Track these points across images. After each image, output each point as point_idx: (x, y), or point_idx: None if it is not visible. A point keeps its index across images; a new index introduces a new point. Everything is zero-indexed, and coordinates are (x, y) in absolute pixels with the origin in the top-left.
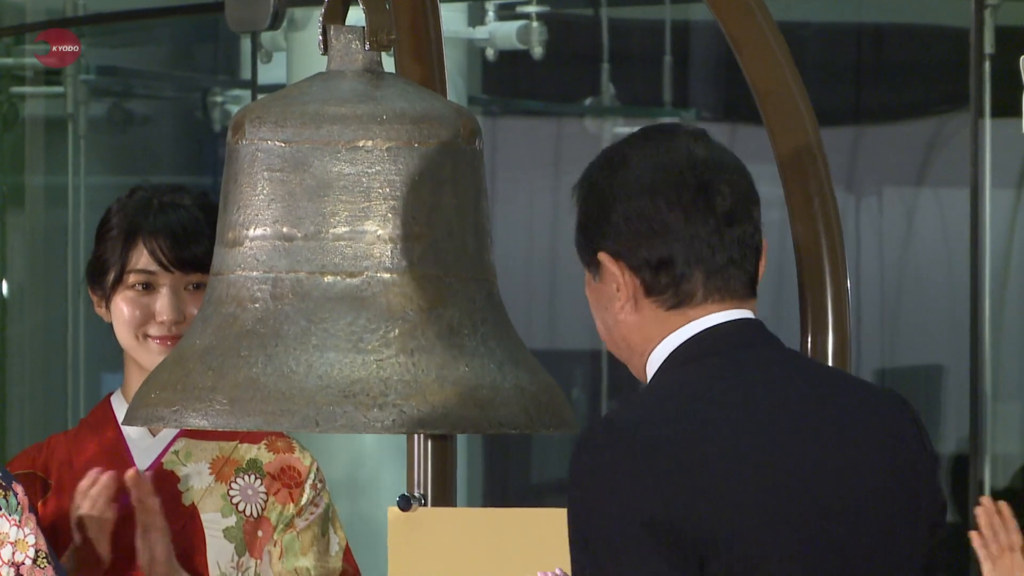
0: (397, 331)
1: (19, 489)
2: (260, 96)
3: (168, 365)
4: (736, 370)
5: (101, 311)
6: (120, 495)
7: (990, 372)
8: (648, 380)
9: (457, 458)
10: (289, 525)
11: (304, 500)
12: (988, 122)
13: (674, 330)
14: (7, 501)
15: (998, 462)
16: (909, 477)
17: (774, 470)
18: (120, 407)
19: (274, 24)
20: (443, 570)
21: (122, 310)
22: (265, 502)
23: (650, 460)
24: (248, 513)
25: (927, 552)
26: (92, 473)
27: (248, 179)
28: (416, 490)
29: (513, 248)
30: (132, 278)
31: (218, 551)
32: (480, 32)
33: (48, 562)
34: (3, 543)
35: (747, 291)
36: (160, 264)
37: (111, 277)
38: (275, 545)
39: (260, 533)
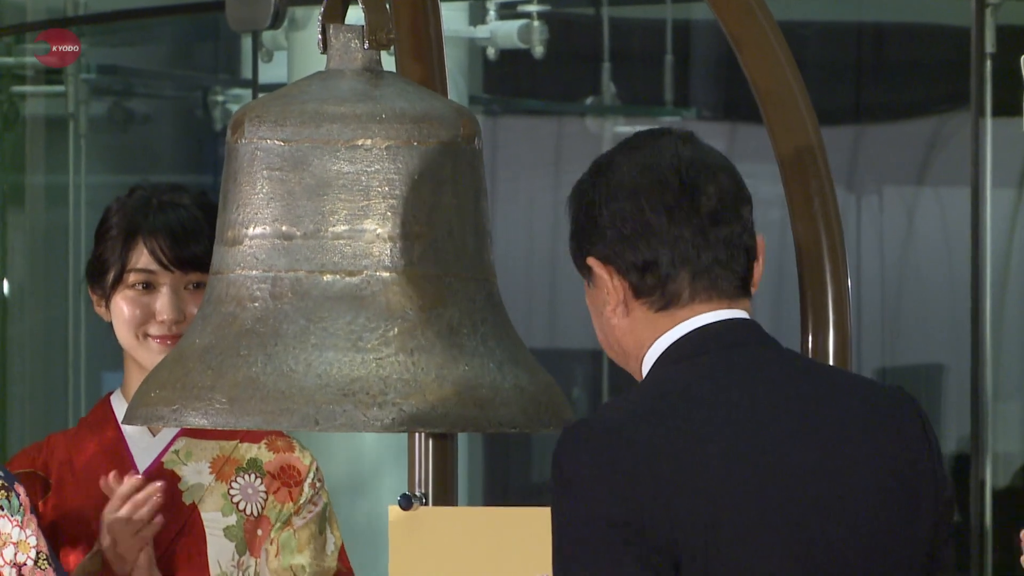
0: (396, 330)
1: (21, 490)
2: (260, 95)
3: (168, 364)
4: (727, 370)
5: (101, 310)
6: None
7: (991, 371)
8: None
9: (458, 457)
10: (286, 523)
11: (303, 499)
12: (989, 121)
13: (664, 331)
14: (9, 502)
15: (999, 461)
16: (910, 475)
17: (761, 470)
18: (120, 406)
19: (275, 23)
20: (444, 569)
21: (122, 309)
22: (265, 501)
23: (624, 461)
24: (248, 512)
25: (929, 551)
26: (135, 479)
27: (247, 178)
28: (417, 489)
29: (513, 247)
30: (132, 277)
31: (218, 550)
32: (481, 31)
33: (48, 564)
34: (5, 544)
35: (737, 291)
36: (160, 263)
37: (111, 276)
38: (272, 542)
39: (260, 532)
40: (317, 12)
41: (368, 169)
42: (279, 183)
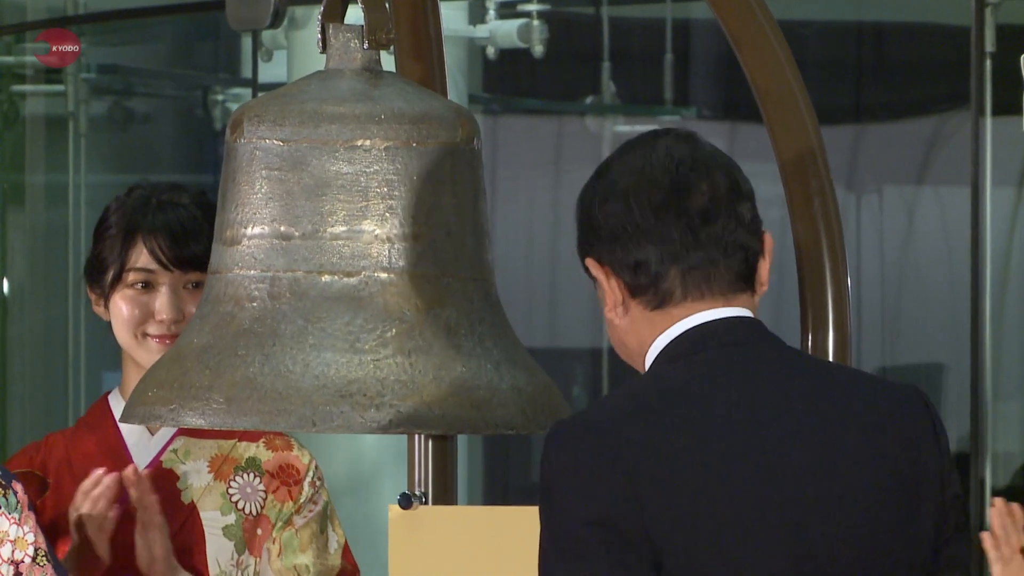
0: (394, 331)
1: (18, 487)
2: (260, 94)
3: (165, 363)
4: (724, 368)
5: (99, 310)
6: (121, 495)
7: (990, 370)
8: None
9: (458, 456)
10: (288, 522)
11: (303, 498)
12: (989, 120)
13: (663, 330)
14: (6, 499)
15: (999, 460)
16: (911, 474)
17: (755, 469)
18: (118, 406)
19: (275, 22)
20: (444, 568)
21: (121, 309)
22: (264, 500)
23: (601, 459)
24: (247, 511)
25: (932, 549)
26: (95, 474)
27: (246, 177)
28: (417, 488)
29: (514, 246)
30: (131, 277)
31: (218, 549)
32: (481, 30)
33: (47, 560)
34: (3, 541)
35: (732, 289)
36: (159, 263)
37: (110, 276)
38: (274, 542)
39: (259, 531)
40: (317, 11)
41: (367, 170)
42: (278, 183)
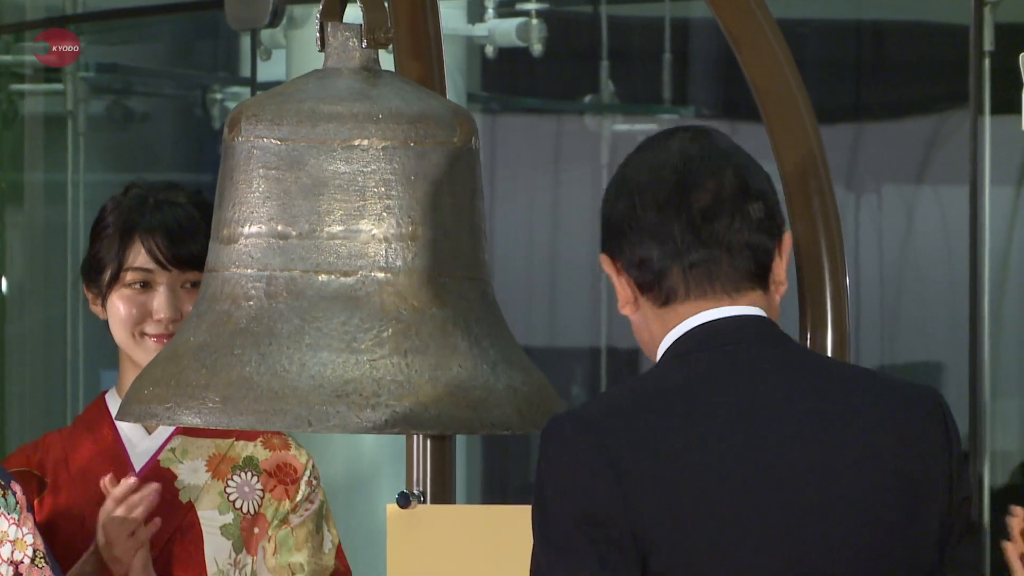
0: (391, 331)
1: (17, 488)
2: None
3: (162, 361)
4: (726, 367)
5: (97, 309)
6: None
7: (989, 369)
8: None
9: (456, 455)
10: (284, 521)
11: (299, 496)
12: (988, 119)
13: (672, 327)
14: (5, 500)
15: (997, 459)
16: (916, 475)
17: (751, 468)
18: (115, 405)
19: (274, 21)
20: (442, 567)
21: (118, 308)
22: (262, 499)
23: (595, 454)
24: (245, 510)
25: (937, 550)
26: (131, 481)
27: (244, 176)
28: (415, 487)
29: (513, 246)
30: (129, 276)
31: (215, 548)
32: (479, 29)
33: (45, 562)
34: (2, 541)
35: (739, 287)
36: (157, 262)
37: (107, 275)
38: (269, 540)
39: (257, 530)
40: (316, 10)
41: (364, 169)
42: (275, 182)
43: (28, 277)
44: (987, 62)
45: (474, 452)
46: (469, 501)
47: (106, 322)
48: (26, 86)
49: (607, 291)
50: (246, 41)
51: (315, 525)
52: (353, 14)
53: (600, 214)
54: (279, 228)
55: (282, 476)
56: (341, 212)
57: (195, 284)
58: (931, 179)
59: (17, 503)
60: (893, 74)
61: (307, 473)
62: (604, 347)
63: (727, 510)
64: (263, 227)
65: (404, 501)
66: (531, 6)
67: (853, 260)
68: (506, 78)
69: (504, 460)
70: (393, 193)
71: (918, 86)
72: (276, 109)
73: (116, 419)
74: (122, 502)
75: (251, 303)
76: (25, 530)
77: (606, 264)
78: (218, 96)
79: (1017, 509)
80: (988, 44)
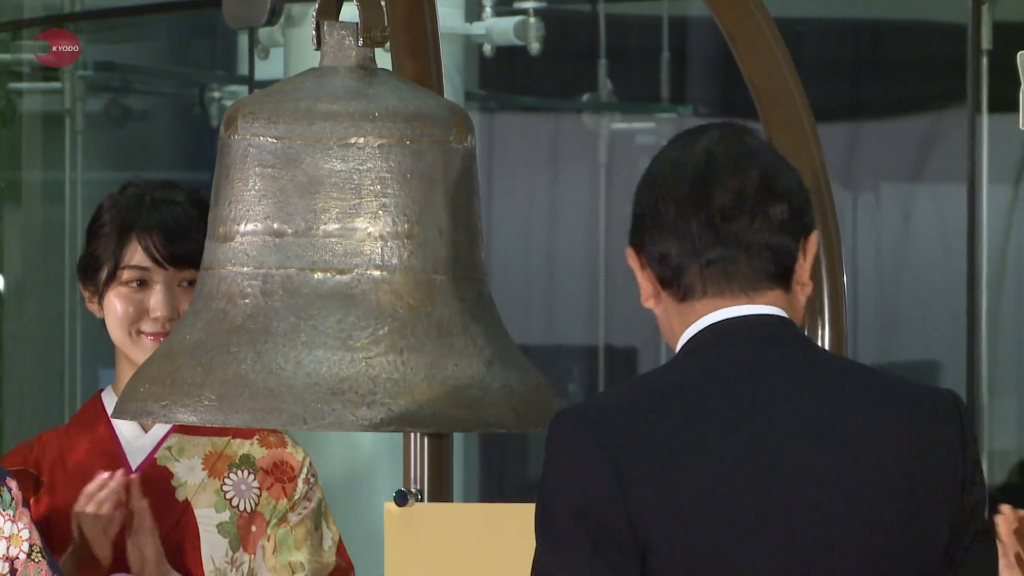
0: (386, 329)
1: (13, 484)
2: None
3: (157, 359)
4: (736, 366)
5: (93, 307)
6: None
7: (986, 368)
8: None
9: (453, 453)
10: (282, 520)
11: (297, 495)
12: (985, 118)
13: (691, 323)
14: (1, 497)
15: (994, 458)
16: (926, 480)
17: (750, 469)
18: (111, 403)
19: (271, 20)
20: (439, 565)
21: (115, 307)
22: (258, 497)
23: (596, 449)
24: (241, 508)
25: (944, 556)
26: (100, 477)
27: (240, 174)
28: (412, 485)
29: (511, 244)
30: (126, 275)
31: (212, 546)
32: (477, 28)
33: (42, 556)
34: None
35: (755, 287)
36: (154, 260)
37: (104, 274)
38: (268, 539)
39: (254, 528)
40: (313, 9)
41: (360, 167)
42: (271, 180)
43: (26, 275)
44: (985, 60)
45: (472, 450)
46: (467, 499)
47: (103, 320)
48: (24, 84)
49: (605, 289)
50: (244, 40)
51: (314, 523)
52: (350, 12)
53: (632, 211)
54: (275, 226)
55: (279, 474)
56: (337, 210)
57: (192, 282)
58: (929, 178)
59: (13, 499)
60: (891, 72)
61: (304, 471)
62: (602, 345)
63: (727, 510)
64: (259, 225)
65: (401, 499)
66: (529, 4)
67: (850, 258)
68: (504, 77)
69: (502, 458)
70: (389, 191)
71: (916, 84)
72: (273, 107)
73: (112, 417)
74: (92, 498)
75: (247, 301)
76: (21, 525)
77: (630, 257)
78: (216, 94)
79: (1005, 508)
80: (986, 42)
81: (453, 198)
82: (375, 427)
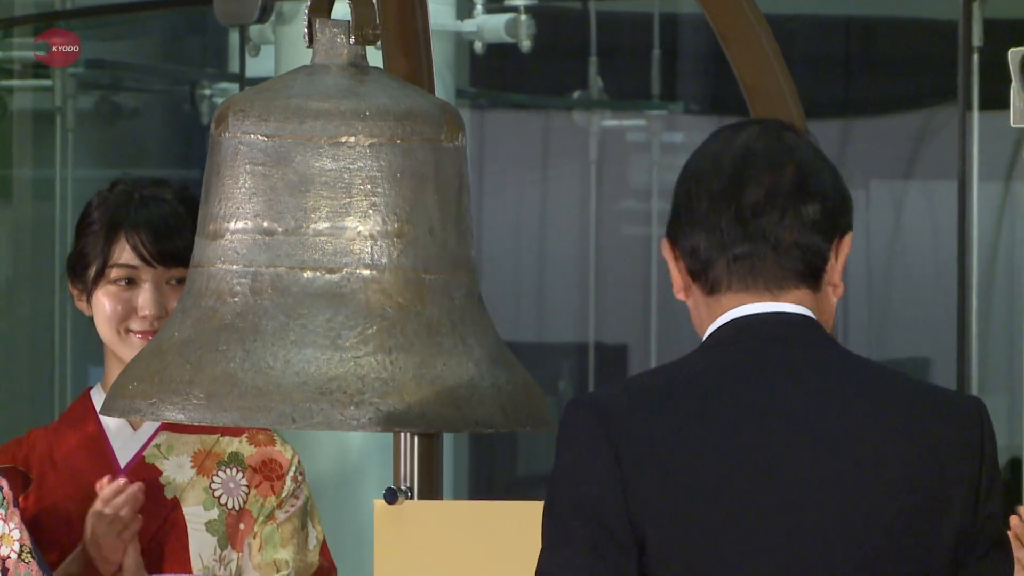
0: (375, 328)
1: (3, 483)
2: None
3: (146, 357)
4: (751, 363)
5: (82, 305)
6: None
7: (977, 365)
8: None
9: (443, 451)
10: (269, 517)
11: (285, 492)
12: (976, 115)
13: (717, 316)
14: None
15: None
16: (936, 486)
17: (754, 468)
18: (100, 401)
19: (262, 17)
20: (429, 563)
21: (104, 305)
22: (247, 495)
23: (600, 441)
24: (230, 506)
25: (949, 562)
26: (120, 481)
27: (230, 172)
28: (402, 483)
29: (501, 241)
30: (114, 273)
31: (200, 544)
32: (468, 25)
33: (32, 557)
34: None
35: (781, 284)
36: (142, 259)
37: (92, 271)
38: (255, 537)
39: (242, 526)
40: (304, 6)
41: (351, 166)
42: (262, 178)
43: (16, 273)
44: (976, 58)
45: (461, 448)
46: (456, 497)
47: (92, 318)
48: (15, 82)
49: (595, 287)
50: (235, 37)
51: (300, 522)
52: (342, 10)
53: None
54: (265, 224)
55: (267, 472)
56: (327, 209)
57: (180, 281)
58: (919, 175)
59: (4, 499)
60: (882, 70)
61: (292, 469)
62: (592, 343)
63: (727, 508)
64: (249, 223)
65: (391, 497)
66: (520, 2)
67: None
68: (495, 74)
69: (491, 456)
70: (379, 190)
71: (907, 82)
72: (264, 105)
73: (100, 414)
74: (109, 502)
75: (236, 299)
76: (12, 525)
77: (665, 249)
78: (207, 92)
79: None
80: (977, 40)
81: (443, 197)
82: (363, 426)
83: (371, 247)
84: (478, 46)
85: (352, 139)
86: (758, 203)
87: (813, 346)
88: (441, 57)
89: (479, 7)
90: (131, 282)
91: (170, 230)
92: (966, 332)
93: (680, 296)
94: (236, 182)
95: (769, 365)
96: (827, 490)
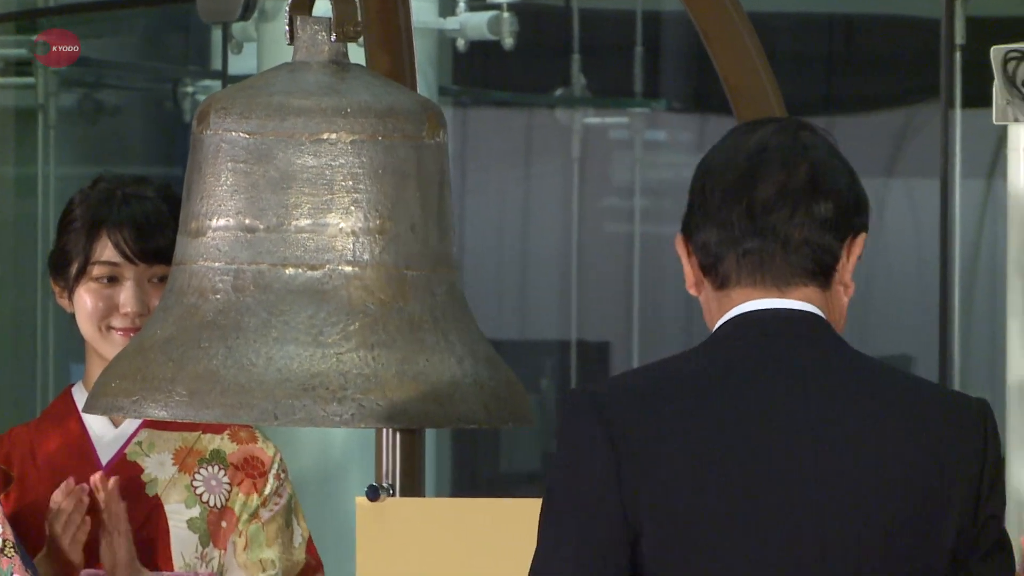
0: (357, 325)
1: None
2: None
3: (128, 355)
4: (754, 360)
5: (63, 302)
6: (93, 503)
7: (959, 363)
8: None
9: (425, 448)
10: (254, 515)
11: (268, 490)
12: (959, 113)
13: (726, 311)
14: None
15: None
16: (936, 488)
17: (751, 465)
18: (82, 398)
19: (245, 15)
20: (411, 560)
21: (85, 302)
22: (229, 492)
23: (598, 432)
24: (212, 504)
25: (947, 563)
26: (66, 484)
27: (212, 169)
28: (384, 480)
29: (483, 239)
30: (96, 270)
31: (182, 542)
32: (451, 22)
33: (15, 551)
34: None
35: (789, 281)
36: (124, 256)
37: (74, 269)
38: (240, 535)
39: (224, 524)
40: (286, 4)
41: (332, 163)
42: (243, 175)
43: None
44: (958, 55)
45: (443, 445)
46: (438, 494)
47: (74, 315)
48: None
49: (577, 284)
50: (217, 34)
51: (285, 520)
52: (323, 7)
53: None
54: (247, 221)
55: (249, 469)
56: (309, 206)
57: (162, 278)
58: (902, 172)
59: None
60: (864, 68)
61: (275, 466)
62: (574, 340)
63: (722, 505)
64: (231, 220)
65: (373, 494)
66: None
67: None
68: (477, 71)
69: (473, 453)
70: (361, 187)
71: (889, 80)
72: (245, 102)
73: (83, 412)
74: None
75: (218, 296)
76: None
77: (678, 244)
78: (189, 89)
79: None
80: (959, 37)
81: (425, 194)
82: (345, 423)
83: (353, 244)
84: (460, 43)
85: (334, 136)
86: (769, 199)
87: (818, 344)
88: (423, 54)
89: (462, 4)
90: (113, 279)
91: (152, 228)
92: (948, 330)
93: (692, 291)
94: (218, 179)
95: (772, 362)
96: (827, 489)
